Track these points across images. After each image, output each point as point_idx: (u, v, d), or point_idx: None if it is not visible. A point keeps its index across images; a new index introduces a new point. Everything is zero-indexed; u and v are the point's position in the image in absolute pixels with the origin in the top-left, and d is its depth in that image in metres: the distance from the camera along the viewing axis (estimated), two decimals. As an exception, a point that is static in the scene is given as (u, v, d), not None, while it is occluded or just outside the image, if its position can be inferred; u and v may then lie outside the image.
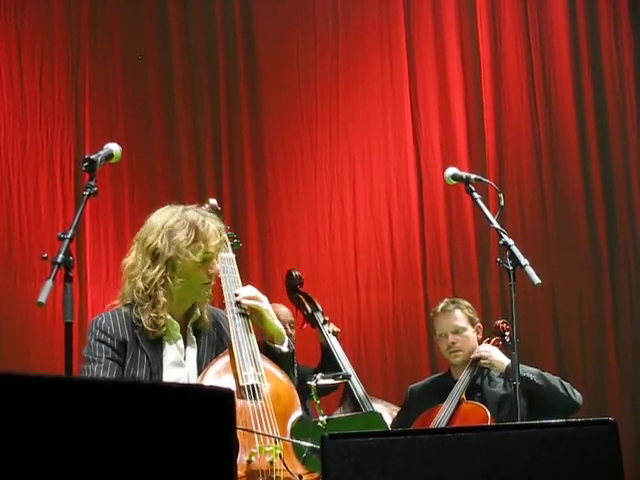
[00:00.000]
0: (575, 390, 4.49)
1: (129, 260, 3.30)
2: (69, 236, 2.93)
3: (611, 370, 6.05)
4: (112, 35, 6.20)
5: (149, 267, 3.23)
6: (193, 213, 3.27)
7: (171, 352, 3.25)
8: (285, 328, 5.05)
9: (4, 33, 5.93)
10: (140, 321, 3.21)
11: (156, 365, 3.20)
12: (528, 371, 4.40)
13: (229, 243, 3.52)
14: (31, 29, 5.99)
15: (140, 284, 3.23)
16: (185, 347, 3.29)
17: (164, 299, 3.21)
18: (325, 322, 4.99)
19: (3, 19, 5.93)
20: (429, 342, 6.03)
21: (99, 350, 3.18)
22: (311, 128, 6.33)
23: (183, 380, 3.23)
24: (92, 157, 3.15)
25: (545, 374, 4.51)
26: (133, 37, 6.26)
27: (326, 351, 4.96)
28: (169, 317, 3.25)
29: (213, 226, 3.25)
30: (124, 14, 6.24)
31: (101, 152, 3.22)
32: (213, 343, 3.33)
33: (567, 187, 6.26)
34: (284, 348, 3.34)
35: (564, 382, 4.50)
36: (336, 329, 5.00)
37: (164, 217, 3.27)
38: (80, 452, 1.48)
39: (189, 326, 3.31)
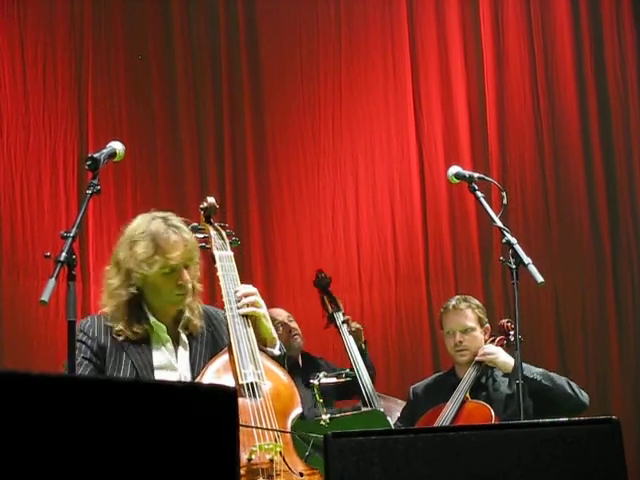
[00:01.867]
0: (582, 390, 4.48)
1: (106, 267, 3.33)
2: (72, 235, 2.93)
3: (614, 368, 6.05)
4: (115, 34, 6.20)
5: (113, 276, 3.25)
6: (159, 224, 3.23)
7: (160, 356, 3.25)
8: (285, 324, 5.14)
9: (7, 32, 5.93)
10: (117, 331, 3.22)
11: (145, 370, 3.19)
12: (535, 372, 4.39)
13: (227, 241, 3.51)
14: (34, 28, 5.99)
15: (111, 297, 3.25)
16: (176, 350, 3.28)
17: (130, 307, 3.22)
18: (344, 322, 5.12)
19: (6, 18, 5.93)
20: (432, 339, 6.04)
21: (79, 350, 3.17)
22: (314, 126, 6.33)
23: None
24: (95, 156, 3.15)
25: (552, 374, 4.50)
26: (136, 36, 6.26)
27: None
28: (154, 320, 3.26)
29: (175, 237, 3.20)
30: (127, 12, 6.24)
31: (104, 151, 3.22)
32: (207, 344, 3.32)
33: (570, 185, 6.26)
34: (276, 351, 3.34)
35: (571, 382, 4.49)
36: (358, 326, 5.13)
37: (132, 227, 3.27)
38: (83, 451, 1.48)
39: (180, 328, 3.30)
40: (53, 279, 2.82)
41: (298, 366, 5.02)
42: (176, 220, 3.30)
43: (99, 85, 6.08)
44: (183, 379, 3.24)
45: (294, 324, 5.24)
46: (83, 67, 6.05)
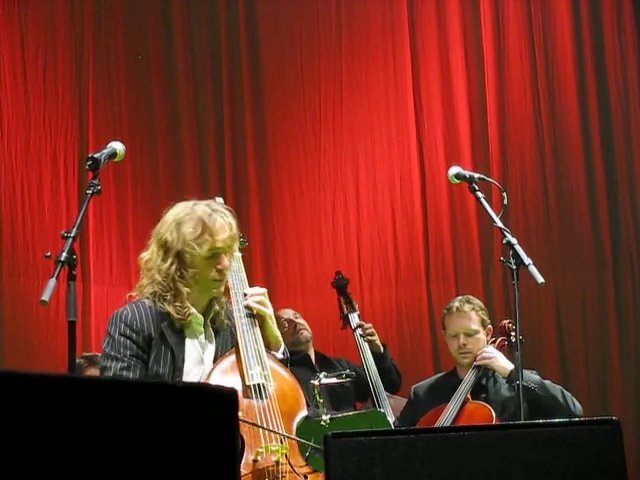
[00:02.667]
0: (576, 401, 4.46)
1: (146, 255, 3.31)
2: (72, 235, 2.94)
3: (614, 369, 6.04)
4: (115, 34, 6.20)
5: (162, 260, 3.24)
6: (203, 207, 3.28)
7: (192, 349, 3.25)
8: (291, 320, 5.16)
9: (8, 32, 5.92)
10: (167, 313, 3.21)
11: (179, 361, 3.19)
12: (530, 379, 4.37)
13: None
14: (34, 28, 5.98)
15: (158, 277, 3.24)
16: (205, 343, 3.30)
17: (186, 289, 3.22)
18: (359, 326, 5.13)
19: (7, 18, 5.93)
20: (432, 339, 6.04)
21: (123, 347, 3.16)
22: (315, 126, 6.33)
23: (200, 378, 3.21)
24: (95, 156, 3.15)
25: (547, 383, 4.48)
26: (136, 36, 6.26)
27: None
28: (193, 310, 3.26)
29: (221, 220, 3.24)
30: (127, 12, 6.25)
31: (104, 151, 3.22)
32: (228, 342, 3.34)
33: (570, 186, 6.25)
34: (279, 355, 3.35)
35: (565, 392, 4.48)
36: (373, 339, 5.11)
37: (175, 211, 3.29)
38: (84, 451, 1.48)
39: (208, 321, 3.32)
40: (54, 279, 2.82)
41: (314, 368, 5.02)
42: (220, 206, 3.34)
43: (99, 85, 6.08)
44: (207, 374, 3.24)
45: (300, 320, 5.26)
46: (84, 67, 6.05)
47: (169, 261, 3.23)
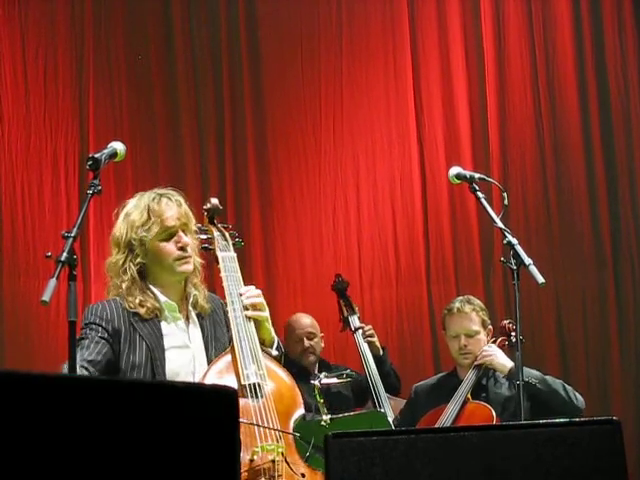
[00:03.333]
0: (578, 394, 4.47)
1: (109, 259, 3.33)
2: (73, 235, 2.93)
3: (615, 369, 6.05)
4: (116, 34, 6.20)
5: (118, 256, 3.27)
6: (149, 194, 3.31)
7: (172, 335, 3.26)
8: (301, 341, 5.14)
9: (8, 32, 5.93)
10: (133, 306, 3.22)
11: (157, 351, 3.19)
12: (530, 375, 4.38)
13: (230, 242, 3.51)
14: (35, 28, 5.99)
15: (119, 277, 3.26)
16: (188, 328, 3.30)
17: (144, 281, 3.25)
18: (358, 328, 5.14)
19: (7, 18, 5.93)
20: (433, 340, 6.04)
21: (94, 331, 3.19)
22: (315, 127, 6.33)
23: (188, 363, 3.22)
24: (96, 156, 3.15)
25: (547, 378, 4.49)
26: (137, 36, 6.25)
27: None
28: (165, 299, 3.27)
29: (166, 200, 3.27)
30: (127, 12, 6.24)
31: (105, 151, 3.22)
32: (214, 325, 3.34)
33: (571, 186, 6.26)
34: (273, 351, 3.35)
35: (567, 386, 4.49)
36: (372, 340, 5.12)
37: (125, 207, 3.33)
38: (83, 451, 1.48)
39: (190, 307, 3.32)
40: (54, 279, 2.82)
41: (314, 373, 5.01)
42: (167, 189, 3.35)
43: (100, 85, 6.08)
44: (196, 357, 3.25)
45: (311, 342, 5.21)
46: (84, 67, 6.05)
47: (123, 255, 3.25)
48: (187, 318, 3.31)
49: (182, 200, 3.32)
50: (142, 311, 3.21)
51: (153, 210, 3.24)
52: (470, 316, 4.64)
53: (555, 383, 4.47)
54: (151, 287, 3.28)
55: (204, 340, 3.29)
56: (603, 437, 2.23)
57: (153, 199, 3.27)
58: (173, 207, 3.26)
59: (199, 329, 3.31)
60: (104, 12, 6.18)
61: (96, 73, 6.08)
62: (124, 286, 3.24)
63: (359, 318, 5.23)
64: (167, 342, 3.23)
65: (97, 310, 3.24)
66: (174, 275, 3.30)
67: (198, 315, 3.33)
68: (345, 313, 5.26)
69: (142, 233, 3.22)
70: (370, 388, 4.90)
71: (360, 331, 5.11)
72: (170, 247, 3.25)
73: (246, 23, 6.37)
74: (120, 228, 3.28)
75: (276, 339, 3.40)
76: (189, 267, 3.29)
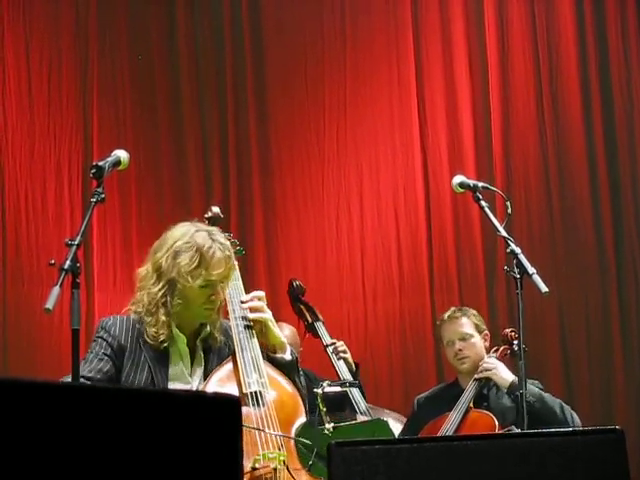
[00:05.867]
0: (575, 415, 4.46)
1: (142, 271, 3.31)
2: (76, 242, 2.94)
3: (618, 378, 6.03)
4: (120, 42, 6.20)
5: (153, 283, 3.24)
6: (204, 237, 3.23)
7: (177, 367, 3.26)
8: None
9: (12, 39, 5.93)
10: (144, 333, 3.23)
11: (159, 377, 3.20)
12: (529, 392, 4.35)
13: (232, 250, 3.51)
14: (39, 34, 5.99)
15: (145, 299, 3.24)
16: (192, 364, 3.30)
17: (163, 318, 3.22)
18: (331, 344, 4.97)
19: (11, 24, 5.94)
20: (436, 350, 6.02)
21: (99, 346, 3.21)
22: (319, 135, 6.33)
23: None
24: (100, 164, 3.16)
25: (546, 396, 4.48)
26: (141, 44, 6.27)
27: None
28: (176, 331, 3.26)
29: (219, 254, 3.21)
30: (131, 20, 6.25)
31: (109, 159, 3.23)
32: (223, 359, 3.32)
33: (574, 194, 6.25)
34: (287, 356, 3.33)
35: (564, 405, 4.48)
36: (346, 356, 4.96)
37: (176, 235, 3.26)
38: (86, 459, 1.48)
39: (198, 342, 3.31)
40: (57, 287, 2.82)
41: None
42: (220, 236, 3.30)
43: (104, 93, 6.09)
44: None
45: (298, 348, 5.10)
46: (88, 75, 6.05)
47: (159, 286, 3.22)
48: (193, 354, 3.31)
49: (232, 255, 3.27)
50: (150, 343, 3.22)
51: (203, 261, 3.18)
52: (461, 321, 4.67)
53: (553, 402, 4.46)
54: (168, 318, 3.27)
55: (204, 375, 3.29)
56: (607, 446, 2.23)
57: (208, 247, 3.20)
58: (222, 263, 3.21)
59: (202, 365, 3.31)
60: (108, 20, 6.19)
61: (100, 81, 6.08)
62: (147, 316, 3.23)
63: (327, 329, 5.05)
64: (170, 373, 3.24)
65: (107, 325, 3.25)
66: (196, 318, 3.30)
67: (207, 350, 3.32)
68: (309, 319, 5.09)
69: (187, 279, 3.18)
70: (352, 400, 4.79)
71: (332, 347, 4.94)
72: (202, 298, 3.23)
73: (250, 33, 6.38)
74: (167, 260, 3.22)
75: (288, 346, 3.39)
76: (212, 316, 3.29)
